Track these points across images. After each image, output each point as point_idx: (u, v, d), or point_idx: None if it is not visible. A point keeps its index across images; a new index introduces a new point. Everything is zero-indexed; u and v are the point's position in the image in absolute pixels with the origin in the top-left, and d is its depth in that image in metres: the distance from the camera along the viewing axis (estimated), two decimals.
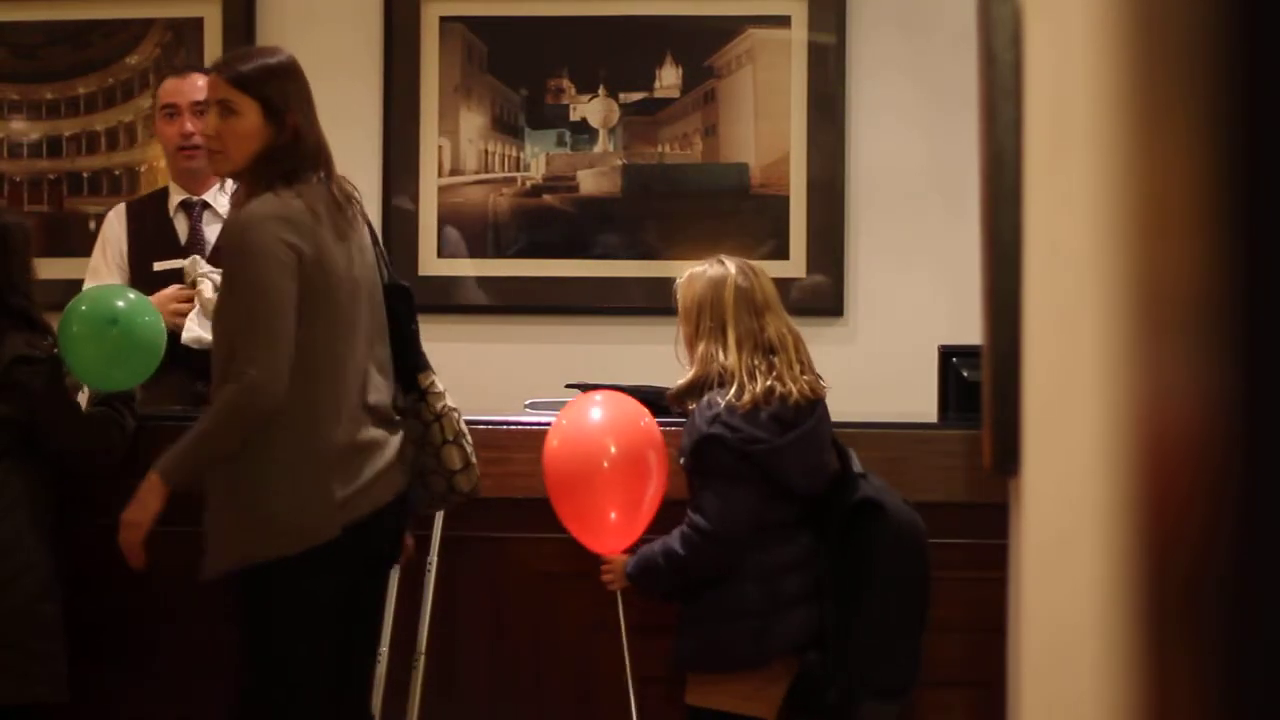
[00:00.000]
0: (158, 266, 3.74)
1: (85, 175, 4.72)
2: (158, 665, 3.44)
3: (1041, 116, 1.49)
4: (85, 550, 3.28)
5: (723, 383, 3.04)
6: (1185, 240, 0.81)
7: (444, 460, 3.04)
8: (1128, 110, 0.97)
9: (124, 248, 3.91)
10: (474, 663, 3.40)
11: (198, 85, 3.70)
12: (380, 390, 2.96)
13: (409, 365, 3.04)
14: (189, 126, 3.74)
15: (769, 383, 3.02)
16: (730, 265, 3.15)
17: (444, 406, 3.04)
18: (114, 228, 3.95)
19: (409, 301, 3.06)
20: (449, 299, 4.53)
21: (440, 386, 3.06)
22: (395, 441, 2.98)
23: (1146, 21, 0.91)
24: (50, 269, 4.69)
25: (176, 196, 3.88)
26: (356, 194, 3.02)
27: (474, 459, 3.09)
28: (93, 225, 4.70)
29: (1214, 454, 0.78)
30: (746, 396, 3.00)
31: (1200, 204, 0.79)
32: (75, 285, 4.64)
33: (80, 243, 4.70)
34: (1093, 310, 1.12)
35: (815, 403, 3.06)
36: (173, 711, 3.40)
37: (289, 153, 2.89)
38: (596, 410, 3.22)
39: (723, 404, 3.01)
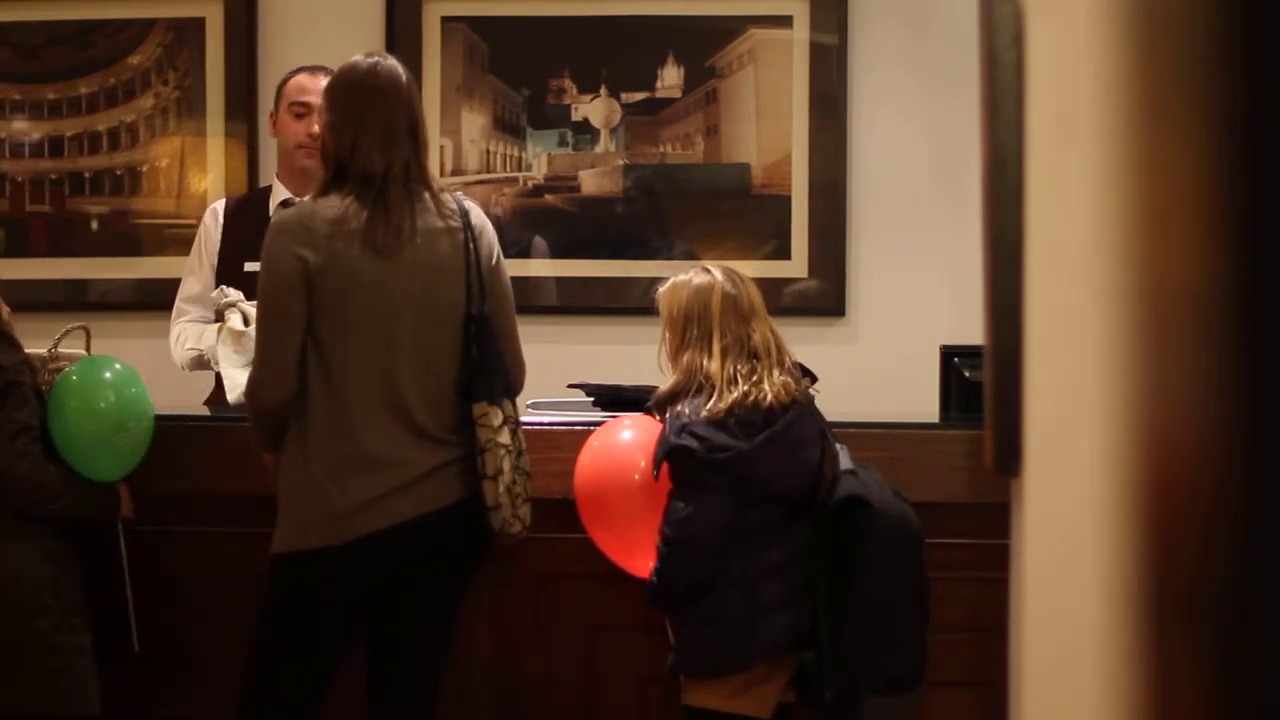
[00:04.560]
0: (249, 267, 3.61)
1: (87, 175, 4.72)
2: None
3: (1044, 116, 1.48)
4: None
5: (700, 390, 3.03)
6: (1188, 240, 0.81)
7: (484, 494, 3.00)
8: (1130, 110, 0.97)
9: (217, 246, 3.89)
10: (474, 663, 3.40)
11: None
12: (424, 408, 2.97)
13: (469, 392, 3.01)
14: (317, 128, 3.59)
15: (746, 388, 3.01)
16: (716, 272, 3.13)
17: (489, 441, 2.98)
18: (209, 224, 3.94)
19: (470, 329, 3.02)
20: None
21: (496, 420, 2.99)
22: (434, 459, 2.98)
23: (1149, 21, 0.90)
24: (52, 269, 4.71)
25: (280, 195, 3.85)
26: (454, 220, 3.02)
27: (510, 502, 3.01)
28: (94, 225, 4.71)
29: (1215, 455, 0.78)
30: (721, 404, 2.99)
31: (1203, 204, 0.79)
32: (76, 285, 4.67)
33: (82, 243, 4.70)
34: (1095, 310, 1.12)
35: (790, 405, 3.04)
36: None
37: (340, 163, 2.98)
38: (628, 432, 3.21)
39: (689, 413, 3.00)
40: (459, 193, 3.20)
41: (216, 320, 3.59)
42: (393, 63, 3.06)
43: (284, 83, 3.89)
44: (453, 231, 3.02)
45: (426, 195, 3.01)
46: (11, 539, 3.15)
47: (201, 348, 3.78)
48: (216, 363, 3.56)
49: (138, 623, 3.34)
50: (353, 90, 3.01)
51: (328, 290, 2.93)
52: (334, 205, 2.96)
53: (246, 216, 3.83)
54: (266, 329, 2.98)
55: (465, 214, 3.05)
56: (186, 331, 3.86)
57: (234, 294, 3.50)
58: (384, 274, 2.94)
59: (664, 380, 3.13)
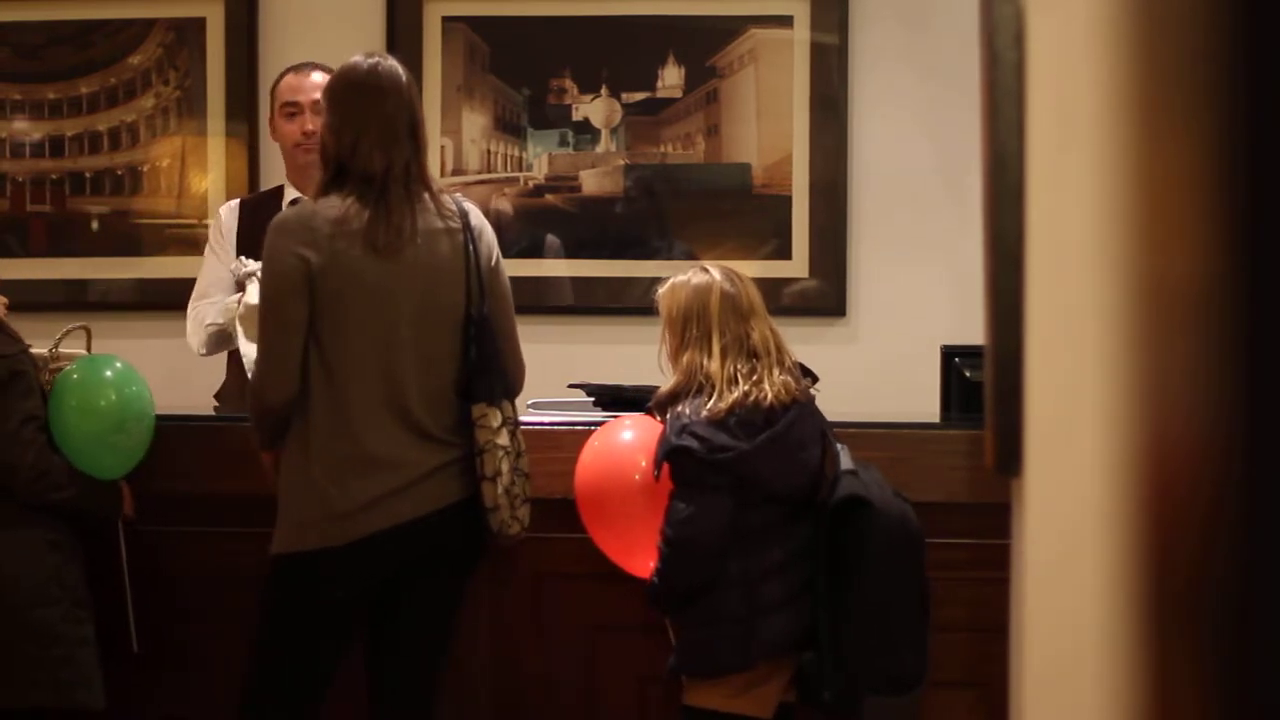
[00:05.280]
0: None
1: (88, 175, 4.72)
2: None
3: (1045, 116, 1.48)
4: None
5: (701, 390, 3.03)
6: (1188, 240, 0.81)
7: (483, 495, 3.00)
8: (1131, 110, 0.97)
9: (234, 241, 3.88)
10: (474, 663, 3.40)
11: (316, 83, 3.68)
12: (424, 408, 2.97)
13: (469, 393, 3.01)
14: (310, 125, 3.69)
15: (746, 388, 3.01)
16: (715, 272, 3.14)
17: (488, 442, 2.98)
18: (226, 223, 3.92)
19: (470, 330, 3.02)
20: None
21: (495, 422, 2.99)
22: (434, 460, 2.98)
23: (1149, 21, 0.90)
24: (52, 269, 4.71)
25: (290, 195, 3.84)
26: (453, 221, 3.02)
27: (509, 503, 3.01)
28: (95, 225, 4.71)
29: (1215, 455, 0.78)
30: (721, 404, 2.99)
31: (1203, 204, 0.78)
32: (76, 285, 4.67)
33: (82, 243, 4.70)
34: (1095, 310, 1.12)
35: (790, 404, 3.05)
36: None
37: (340, 163, 2.98)
38: (628, 432, 3.21)
39: (690, 414, 3.00)
40: (458, 194, 3.20)
41: (238, 292, 3.58)
42: (393, 63, 3.06)
43: (274, 85, 3.91)
44: (453, 232, 3.02)
45: (426, 196, 3.01)
46: (16, 529, 3.15)
47: (221, 320, 3.75)
48: (237, 336, 3.54)
49: (137, 622, 3.34)
50: (353, 90, 3.01)
51: (329, 290, 2.93)
52: (335, 205, 2.96)
53: (260, 217, 3.82)
54: (268, 329, 2.98)
55: (465, 215, 3.05)
56: (206, 311, 3.83)
57: (253, 264, 3.49)
58: (385, 274, 2.94)
59: (664, 381, 3.14)
